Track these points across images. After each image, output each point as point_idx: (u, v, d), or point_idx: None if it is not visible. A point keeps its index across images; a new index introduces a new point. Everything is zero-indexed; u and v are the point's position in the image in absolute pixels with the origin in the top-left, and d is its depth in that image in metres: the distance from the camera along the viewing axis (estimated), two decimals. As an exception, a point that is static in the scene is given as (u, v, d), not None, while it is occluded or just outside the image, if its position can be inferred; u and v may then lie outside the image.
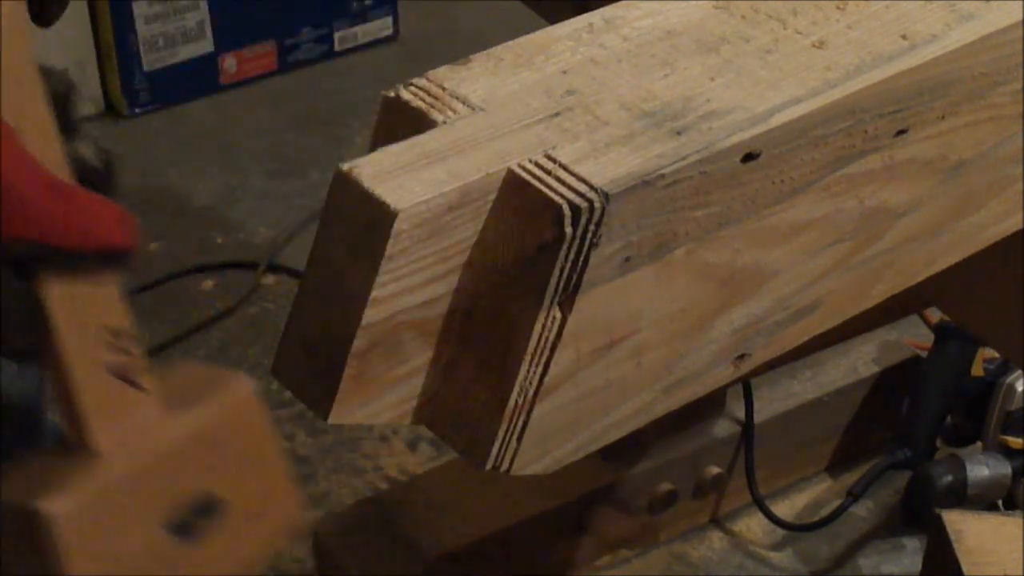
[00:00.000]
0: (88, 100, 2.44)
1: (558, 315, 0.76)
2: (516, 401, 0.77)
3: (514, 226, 0.75)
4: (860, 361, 1.89)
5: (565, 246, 0.73)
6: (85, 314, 0.68)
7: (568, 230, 0.73)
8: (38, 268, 0.66)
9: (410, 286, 0.74)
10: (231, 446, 0.69)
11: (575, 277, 0.75)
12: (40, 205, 0.67)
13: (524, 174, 0.74)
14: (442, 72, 0.80)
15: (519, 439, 0.79)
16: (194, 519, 0.66)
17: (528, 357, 0.76)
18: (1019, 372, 1.82)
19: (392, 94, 0.79)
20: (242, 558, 0.69)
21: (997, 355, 1.83)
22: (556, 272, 0.74)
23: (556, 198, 0.73)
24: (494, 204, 0.75)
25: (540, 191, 0.74)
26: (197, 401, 0.71)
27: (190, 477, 0.67)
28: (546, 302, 0.75)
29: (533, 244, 0.74)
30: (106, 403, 0.67)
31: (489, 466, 0.78)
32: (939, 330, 1.86)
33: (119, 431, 0.66)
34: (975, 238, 0.96)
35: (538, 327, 0.75)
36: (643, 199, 0.76)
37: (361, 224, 0.73)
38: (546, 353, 0.77)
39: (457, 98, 0.78)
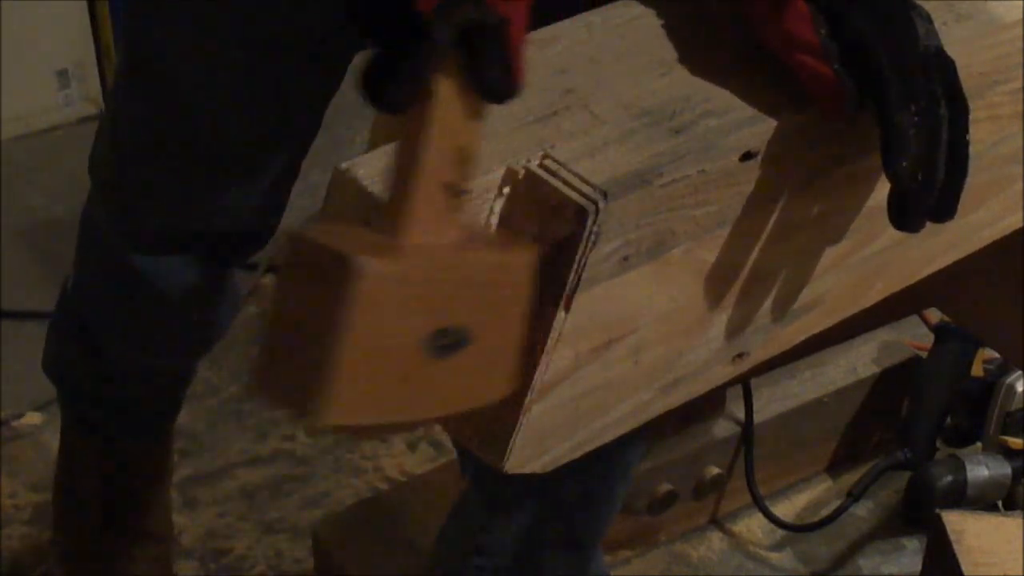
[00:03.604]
0: (88, 100, 2.44)
1: (563, 314, 0.76)
2: (530, 398, 0.77)
3: (528, 224, 0.75)
4: (860, 361, 1.89)
5: (582, 244, 0.73)
6: (455, 123, 0.70)
7: (587, 227, 0.73)
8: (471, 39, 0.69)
9: (409, 284, 0.74)
10: (498, 295, 0.72)
11: (578, 276, 0.75)
12: None
13: (541, 172, 0.74)
14: None
15: (520, 437, 0.79)
16: (445, 344, 0.69)
17: (545, 354, 0.76)
18: (1019, 372, 1.82)
19: None
20: (467, 395, 0.73)
21: (997, 355, 1.83)
22: (574, 269, 0.74)
23: (575, 196, 0.73)
24: (506, 201, 0.75)
25: (557, 189, 0.74)
26: (488, 247, 0.75)
27: (457, 307, 0.70)
28: (563, 299, 0.75)
29: (550, 242, 0.74)
30: (426, 210, 0.69)
31: (507, 463, 0.78)
32: (939, 330, 1.86)
33: (426, 237, 0.69)
34: (974, 237, 0.96)
35: (556, 323, 0.75)
36: (642, 198, 0.76)
37: (360, 223, 0.73)
38: (551, 351, 0.77)
39: (456, 97, 0.78)
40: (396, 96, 0.69)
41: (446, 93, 0.70)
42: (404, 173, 0.70)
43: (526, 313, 0.73)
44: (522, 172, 0.75)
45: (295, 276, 0.68)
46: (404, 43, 0.69)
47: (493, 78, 0.70)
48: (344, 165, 0.75)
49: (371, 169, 0.74)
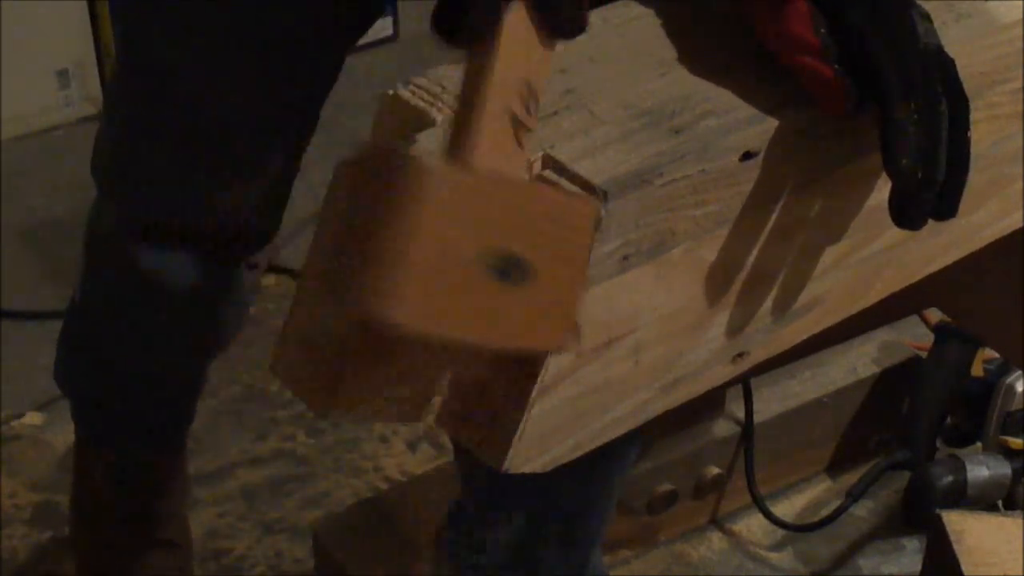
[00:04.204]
0: (88, 100, 2.44)
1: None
2: (532, 397, 0.77)
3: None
4: (860, 361, 1.89)
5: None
6: (524, 57, 0.71)
7: (601, 229, 0.73)
8: None
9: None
10: (559, 236, 0.70)
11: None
12: None
13: (552, 175, 0.74)
14: (442, 71, 0.80)
15: (521, 436, 0.79)
16: (508, 271, 0.68)
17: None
18: (1019, 372, 1.81)
19: (392, 93, 0.79)
20: (522, 332, 0.71)
21: (997, 355, 1.83)
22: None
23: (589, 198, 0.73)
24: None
25: (570, 192, 0.74)
26: (553, 188, 0.75)
27: (522, 236, 0.69)
28: None
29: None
30: (491, 138, 0.70)
31: (507, 463, 0.78)
32: (939, 330, 1.86)
33: (491, 162, 0.70)
34: (974, 237, 0.96)
35: None
36: (641, 198, 0.76)
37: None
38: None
39: (456, 97, 0.78)
40: (473, 23, 0.69)
41: (515, 23, 0.70)
42: (470, 99, 0.70)
43: (586, 266, 0.73)
44: (529, 175, 0.75)
45: (357, 180, 0.68)
46: None
47: (562, 8, 0.71)
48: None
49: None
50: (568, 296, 0.72)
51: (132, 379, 1.47)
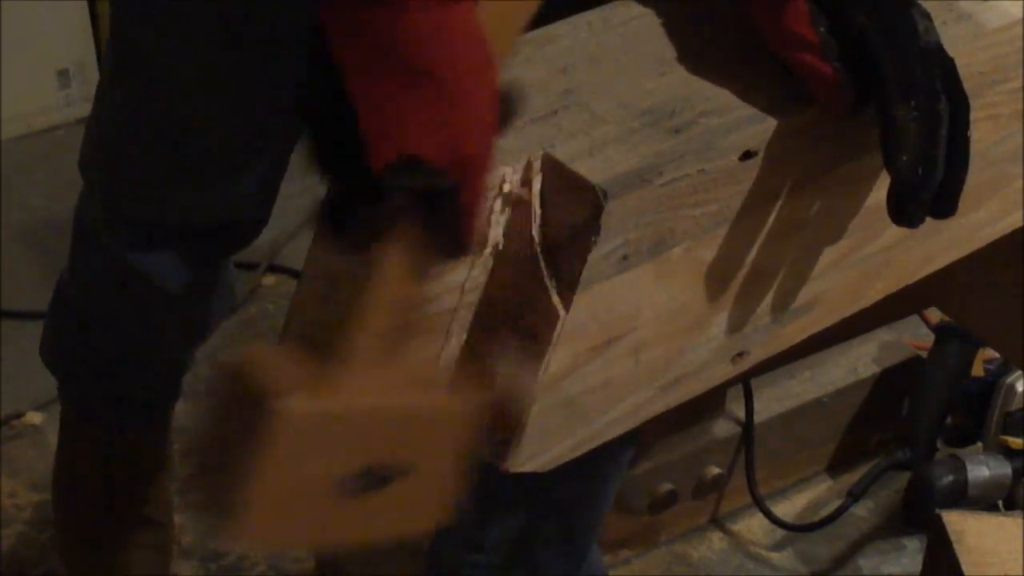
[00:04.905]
0: (88, 100, 2.44)
1: (563, 313, 0.76)
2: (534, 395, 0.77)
3: (553, 210, 0.75)
4: (860, 361, 1.89)
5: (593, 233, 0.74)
6: (402, 273, 0.71)
7: (602, 213, 0.73)
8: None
9: (408, 283, 0.74)
10: (429, 439, 0.73)
11: (583, 264, 0.75)
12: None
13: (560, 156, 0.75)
14: None
15: (521, 436, 0.79)
16: (369, 482, 0.71)
17: (554, 342, 0.76)
18: (1019, 372, 1.81)
19: None
20: (391, 527, 0.75)
21: (997, 355, 1.83)
22: (589, 255, 0.75)
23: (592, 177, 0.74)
24: (516, 198, 0.75)
25: (578, 173, 0.74)
26: (426, 391, 0.75)
27: (385, 447, 0.71)
28: (575, 287, 0.75)
29: (568, 226, 0.74)
30: (364, 354, 0.70)
31: (508, 462, 0.78)
32: (939, 330, 1.85)
33: (362, 380, 0.70)
34: (973, 236, 0.96)
35: (558, 322, 0.75)
36: (641, 197, 0.76)
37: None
38: (552, 349, 0.77)
39: (456, 96, 0.78)
40: (353, 237, 0.71)
41: (398, 242, 0.71)
42: (344, 312, 0.71)
43: (459, 456, 0.74)
44: (540, 158, 0.75)
45: (223, 397, 0.69)
46: (363, 190, 0.70)
47: (442, 238, 0.72)
48: None
49: None
50: (435, 486, 0.74)
51: (118, 361, 1.47)
